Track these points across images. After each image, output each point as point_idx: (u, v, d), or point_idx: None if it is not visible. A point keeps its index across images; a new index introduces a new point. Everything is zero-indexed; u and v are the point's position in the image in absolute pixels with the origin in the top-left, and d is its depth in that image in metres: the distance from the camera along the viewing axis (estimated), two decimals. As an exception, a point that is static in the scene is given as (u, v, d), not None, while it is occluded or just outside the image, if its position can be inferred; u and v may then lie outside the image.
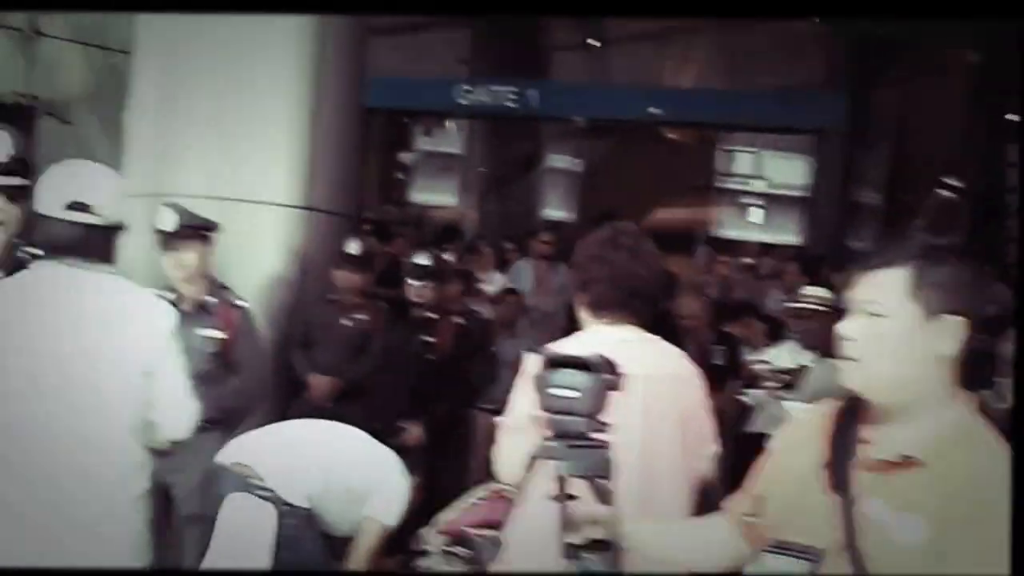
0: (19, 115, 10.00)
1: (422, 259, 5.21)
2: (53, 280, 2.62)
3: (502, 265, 8.10)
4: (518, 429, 2.60)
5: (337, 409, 4.78)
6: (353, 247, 5.33)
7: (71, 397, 2.56)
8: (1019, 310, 1.80)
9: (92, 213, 2.61)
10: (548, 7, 2.18)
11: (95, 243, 2.64)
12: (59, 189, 2.63)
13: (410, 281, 5.19)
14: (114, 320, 2.63)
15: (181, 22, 5.19)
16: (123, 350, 2.62)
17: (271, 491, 3.33)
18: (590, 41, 12.95)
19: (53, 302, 2.59)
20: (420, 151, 14.58)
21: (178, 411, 2.76)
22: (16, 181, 3.05)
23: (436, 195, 14.42)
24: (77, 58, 11.42)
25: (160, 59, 5.39)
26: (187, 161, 5.23)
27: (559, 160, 14.10)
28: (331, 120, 5.43)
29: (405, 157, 14.45)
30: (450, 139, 14.45)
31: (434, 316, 5.20)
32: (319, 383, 5.16)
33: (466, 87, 12.10)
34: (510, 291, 6.86)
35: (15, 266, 3.07)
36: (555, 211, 13.86)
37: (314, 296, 5.30)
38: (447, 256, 6.38)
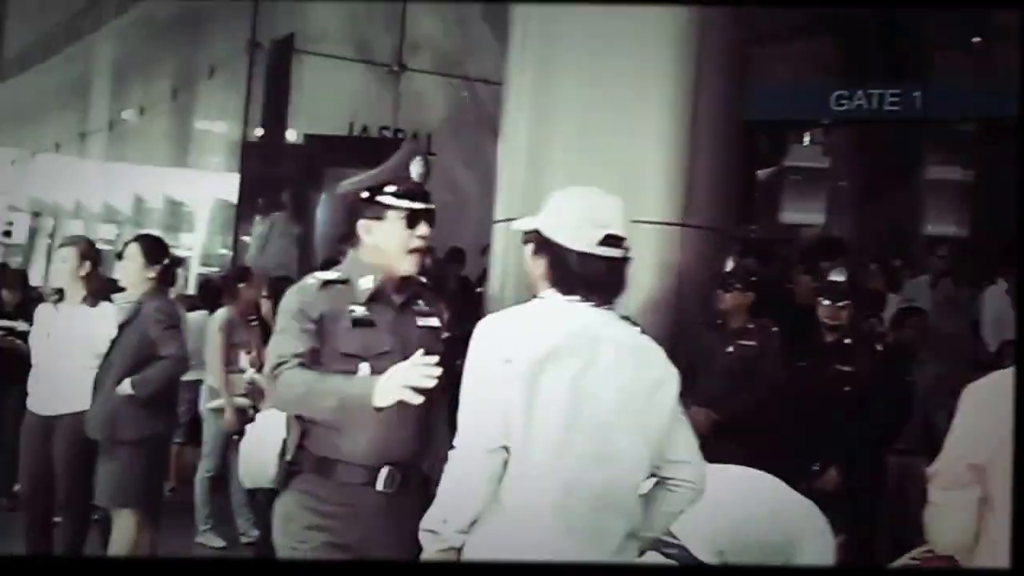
0: (385, 149, 10.50)
1: (838, 275, 4.72)
2: (572, 316, 2.42)
3: (892, 284, 7.40)
4: (958, 482, 2.18)
5: (716, 446, 4.40)
6: (737, 267, 4.99)
7: (590, 446, 2.36)
8: (1019, 307, 1.28)
9: (623, 247, 2.45)
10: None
11: (617, 278, 2.46)
12: (590, 222, 2.43)
13: (824, 301, 4.70)
14: (630, 363, 2.42)
15: (550, 48, 5.22)
16: (641, 400, 2.42)
17: (681, 546, 2.98)
18: (974, 39, 11.89)
19: (577, 343, 2.39)
20: (784, 165, 13.96)
21: (696, 467, 2.51)
22: (433, 205, 2.98)
23: (803, 212, 13.74)
24: (439, 90, 11.88)
25: (531, 85, 5.43)
26: (561, 183, 5.14)
27: (943, 168, 12.99)
28: (709, 134, 5.21)
29: (766, 172, 13.88)
30: (816, 152, 13.75)
31: (848, 340, 4.67)
32: (696, 415, 4.82)
33: (840, 93, 11.41)
34: (910, 311, 6.17)
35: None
36: (941, 224, 12.74)
37: (694, 320, 5.00)
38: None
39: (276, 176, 11.69)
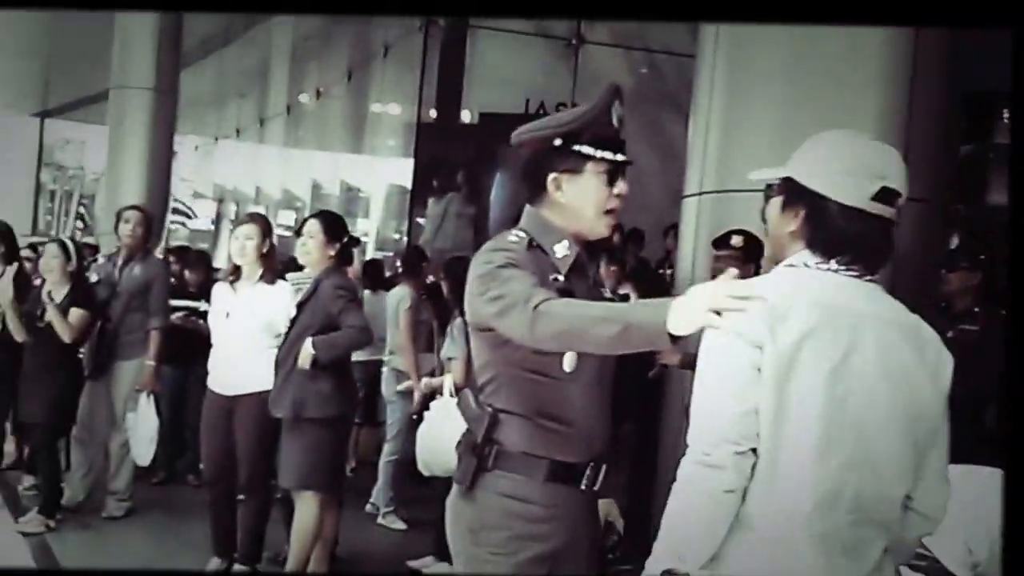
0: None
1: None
2: (831, 289, 2.04)
3: None
4: None
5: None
6: (963, 244, 4.60)
7: (851, 449, 1.99)
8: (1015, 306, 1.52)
9: (897, 206, 2.07)
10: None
11: (887, 243, 2.10)
12: (863, 171, 2.04)
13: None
14: (901, 347, 2.05)
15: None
16: (911, 392, 2.04)
17: (932, 558, 2.63)
18: None
19: (838, 322, 2.01)
20: (992, 141, 13.11)
21: (939, 491, 2.12)
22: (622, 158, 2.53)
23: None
24: (618, 64, 11.58)
25: (726, 55, 5.24)
26: (760, 157, 4.91)
27: None
28: (924, 107, 4.85)
29: (969, 148, 13.05)
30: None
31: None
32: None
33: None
34: None
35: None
36: None
37: (913, 301, 4.63)
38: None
39: (451, 157, 11.65)
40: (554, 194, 2.52)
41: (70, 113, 21.62)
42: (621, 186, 2.52)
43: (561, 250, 2.50)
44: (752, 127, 5.09)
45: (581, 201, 2.51)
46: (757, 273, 4.74)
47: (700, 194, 5.49)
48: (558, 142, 2.50)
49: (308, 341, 4.58)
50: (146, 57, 10.29)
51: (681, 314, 1.97)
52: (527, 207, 2.58)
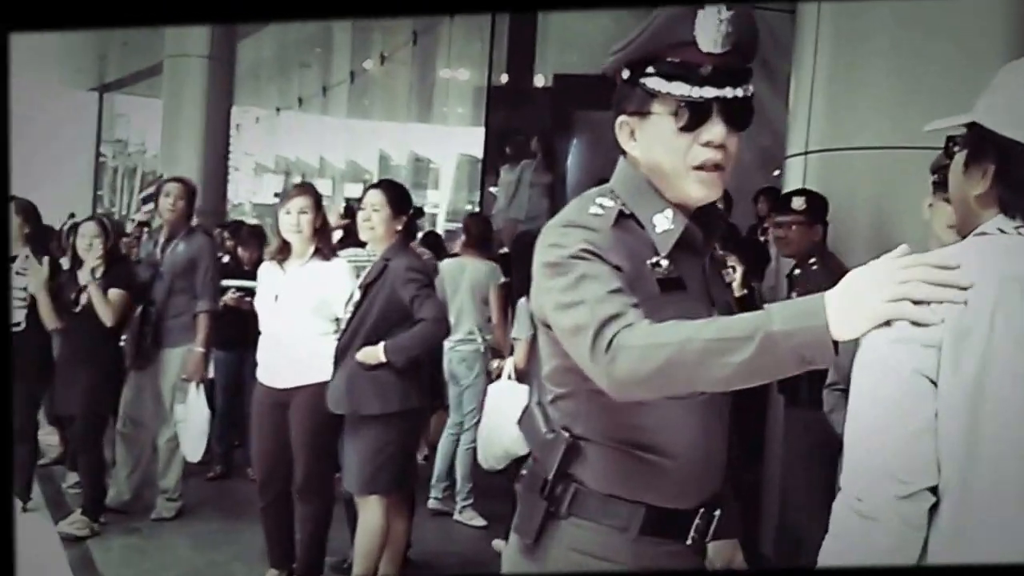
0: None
1: None
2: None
3: None
4: None
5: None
6: None
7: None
8: None
9: None
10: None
11: None
12: None
13: None
14: None
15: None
16: None
17: None
18: None
19: None
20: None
21: None
22: (738, 91, 1.82)
23: None
24: (698, 13, 11.03)
25: (830, 13, 5.01)
26: (870, 114, 4.75)
27: None
28: None
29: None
30: None
31: None
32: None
33: None
34: None
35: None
36: None
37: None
38: None
39: (524, 123, 11.13)
40: (627, 144, 1.89)
41: (131, 87, 21.49)
42: (712, 132, 1.79)
43: (663, 223, 1.85)
44: (860, 81, 4.86)
45: (650, 154, 1.85)
46: (825, 234, 4.40)
47: (806, 153, 5.09)
48: (625, 73, 1.86)
49: (380, 348, 4.12)
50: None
51: (848, 311, 1.42)
52: (620, 160, 1.94)
